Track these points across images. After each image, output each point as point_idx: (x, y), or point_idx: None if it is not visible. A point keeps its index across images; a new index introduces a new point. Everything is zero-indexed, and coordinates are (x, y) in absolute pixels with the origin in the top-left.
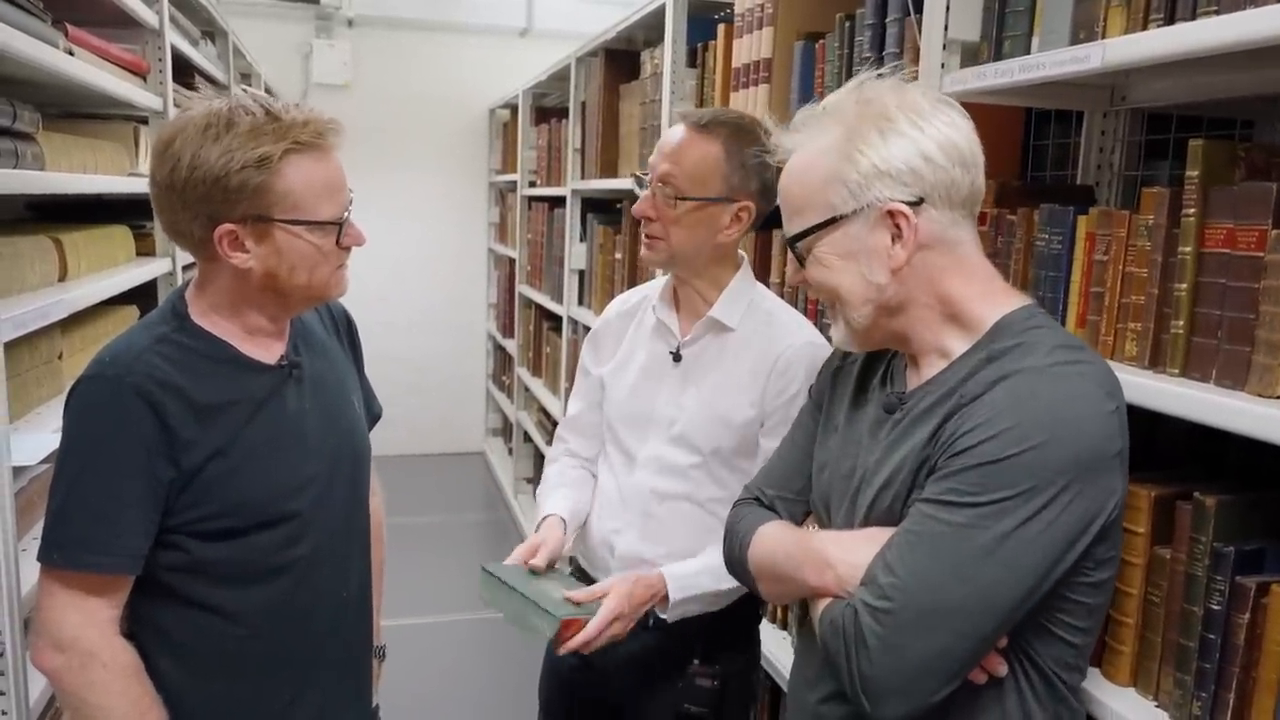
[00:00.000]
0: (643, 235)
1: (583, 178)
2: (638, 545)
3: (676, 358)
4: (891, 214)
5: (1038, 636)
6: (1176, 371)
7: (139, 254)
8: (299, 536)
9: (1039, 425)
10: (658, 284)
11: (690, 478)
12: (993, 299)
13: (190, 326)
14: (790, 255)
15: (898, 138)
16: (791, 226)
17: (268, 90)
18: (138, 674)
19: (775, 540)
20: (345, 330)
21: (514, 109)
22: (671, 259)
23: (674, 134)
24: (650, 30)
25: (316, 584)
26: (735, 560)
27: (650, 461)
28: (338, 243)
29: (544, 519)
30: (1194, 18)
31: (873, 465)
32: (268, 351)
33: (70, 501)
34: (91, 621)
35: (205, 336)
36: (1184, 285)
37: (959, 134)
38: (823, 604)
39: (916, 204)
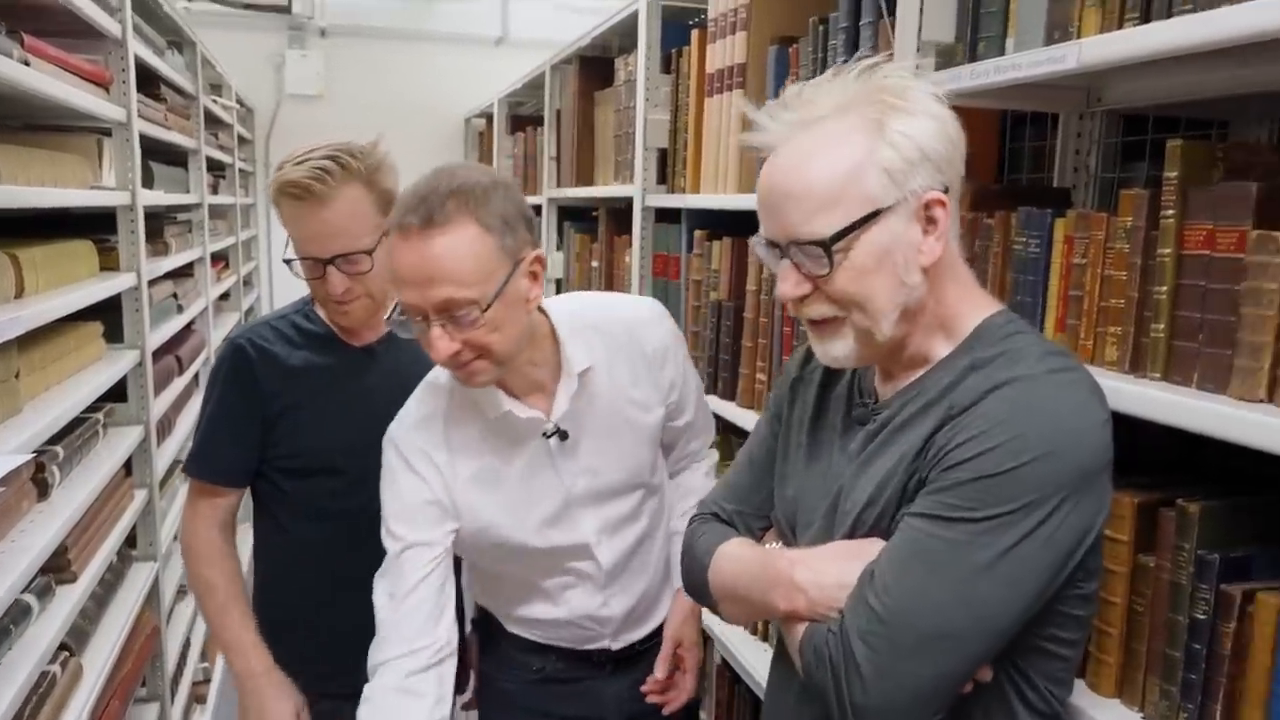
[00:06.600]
0: (457, 369)
1: (558, 186)
2: (629, 602)
3: (561, 435)
4: (928, 204)
5: (1029, 651)
6: (1158, 376)
7: (103, 269)
8: (346, 491)
9: (1041, 437)
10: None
11: (643, 510)
12: (973, 301)
13: (309, 311)
14: (790, 268)
15: (928, 119)
16: (817, 227)
17: (239, 101)
18: (218, 559)
19: (738, 560)
20: None
21: (489, 118)
22: (501, 366)
23: (416, 254)
24: (624, 37)
25: (358, 537)
26: (695, 581)
27: (600, 532)
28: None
29: None
30: (1170, 16)
31: (849, 480)
32: (361, 340)
33: (199, 429)
34: (197, 514)
35: (316, 319)
36: (1164, 288)
37: (954, 120)
38: (800, 629)
39: (944, 193)
